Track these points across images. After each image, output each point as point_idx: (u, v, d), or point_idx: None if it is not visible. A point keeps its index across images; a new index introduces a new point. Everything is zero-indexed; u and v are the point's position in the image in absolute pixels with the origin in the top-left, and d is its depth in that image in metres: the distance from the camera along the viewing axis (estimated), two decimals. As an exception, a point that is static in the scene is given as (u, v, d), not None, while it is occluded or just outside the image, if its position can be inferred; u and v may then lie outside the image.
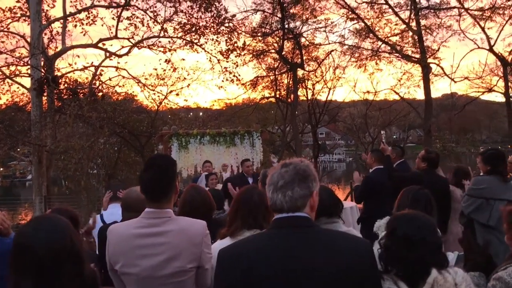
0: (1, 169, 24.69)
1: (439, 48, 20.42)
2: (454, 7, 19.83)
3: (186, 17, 17.71)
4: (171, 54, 18.18)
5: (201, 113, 29.63)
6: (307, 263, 1.66)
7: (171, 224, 2.45)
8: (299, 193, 1.75)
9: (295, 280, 1.65)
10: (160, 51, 17.89)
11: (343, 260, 1.68)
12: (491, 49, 19.89)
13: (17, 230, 1.62)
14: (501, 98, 22.66)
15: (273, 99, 23.10)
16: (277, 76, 22.08)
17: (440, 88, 61.36)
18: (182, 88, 19.02)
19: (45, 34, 16.93)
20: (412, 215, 2.16)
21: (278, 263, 1.67)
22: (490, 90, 21.15)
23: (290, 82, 21.36)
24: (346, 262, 1.67)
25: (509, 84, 19.61)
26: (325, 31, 21.01)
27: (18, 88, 17.23)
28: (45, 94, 15.63)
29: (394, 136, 47.68)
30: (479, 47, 20.28)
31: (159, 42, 17.96)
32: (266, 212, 2.82)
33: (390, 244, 2.06)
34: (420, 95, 22.07)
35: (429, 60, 19.63)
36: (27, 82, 16.70)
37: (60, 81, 15.87)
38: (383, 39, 20.41)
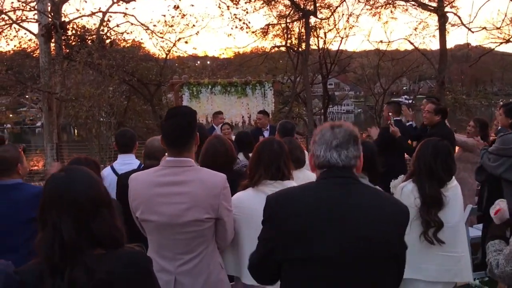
0: (11, 115, 24.80)
1: (457, -4, 19.66)
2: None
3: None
4: (180, -1, 17.71)
5: (208, 62, 29.23)
6: (351, 210, 1.77)
7: (191, 174, 2.46)
8: (353, 153, 1.86)
9: (333, 226, 1.75)
10: (168, -4, 17.43)
11: (384, 220, 1.80)
12: (512, -3, 19.05)
13: (51, 177, 1.64)
14: (518, 50, 22.01)
15: (283, 48, 22.55)
16: (288, 24, 21.47)
17: (452, 38, 59.67)
18: (191, 35, 18.72)
19: (51, -23, 16.42)
20: None
21: (322, 206, 1.78)
22: (507, 41, 20.48)
23: (302, 31, 20.78)
24: (386, 222, 1.80)
25: (529, 35, 18.92)
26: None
27: (25, 33, 17.00)
28: (52, 40, 15.41)
29: (404, 88, 46.93)
30: (499, -5, 19.50)
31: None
32: (287, 160, 2.82)
33: None
34: (433, 45, 21.48)
35: (446, 9, 18.90)
36: (34, 27, 16.43)
37: (67, 27, 15.58)
38: (400, -15, 19.64)
